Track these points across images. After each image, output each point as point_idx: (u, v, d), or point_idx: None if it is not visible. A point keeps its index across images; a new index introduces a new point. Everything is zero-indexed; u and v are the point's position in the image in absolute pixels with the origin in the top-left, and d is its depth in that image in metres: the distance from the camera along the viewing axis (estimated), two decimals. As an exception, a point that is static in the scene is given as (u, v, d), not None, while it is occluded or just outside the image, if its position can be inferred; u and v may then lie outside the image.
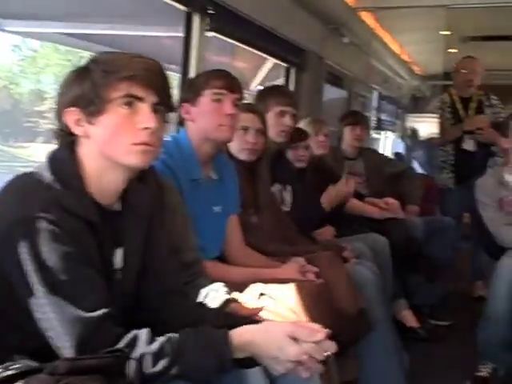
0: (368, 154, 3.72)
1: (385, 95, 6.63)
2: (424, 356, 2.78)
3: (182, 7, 2.71)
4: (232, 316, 1.42)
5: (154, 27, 3.35)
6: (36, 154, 5.38)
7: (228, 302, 1.57)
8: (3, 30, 3.14)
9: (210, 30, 2.80)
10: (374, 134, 6.50)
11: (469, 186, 3.56)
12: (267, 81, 4.24)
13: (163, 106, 1.23)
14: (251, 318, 1.42)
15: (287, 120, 2.53)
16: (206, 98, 1.88)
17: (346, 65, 4.89)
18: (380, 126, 6.71)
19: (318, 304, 1.72)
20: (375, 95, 6.41)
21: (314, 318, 1.63)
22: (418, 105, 7.22)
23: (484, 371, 2.61)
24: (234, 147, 2.21)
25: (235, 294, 1.67)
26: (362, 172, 3.60)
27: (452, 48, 5.38)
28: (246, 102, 2.63)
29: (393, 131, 7.40)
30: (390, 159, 4.23)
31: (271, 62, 4.15)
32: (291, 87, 4.04)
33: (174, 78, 2.84)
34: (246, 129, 2.19)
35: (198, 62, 2.75)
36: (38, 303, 1.11)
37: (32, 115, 5.78)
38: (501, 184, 2.86)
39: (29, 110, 5.77)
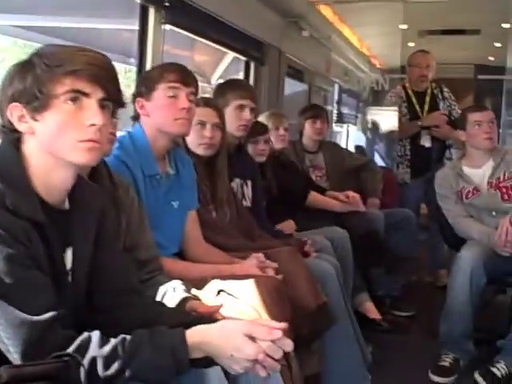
0: (328, 147, 3.73)
1: (345, 89, 6.66)
2: (387, 347, 2.80)
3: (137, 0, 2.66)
4: (189, 315, 1.40)
5: (114, 20, 3.28)
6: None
7: (186, 300, 1.54)
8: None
9: (166, 23, 2.76)
10: (335, 128, 6.53)
11: (425, 179, 3.63)
12: (228, 75, 4.20)
13: (111, 101, 1.19)
14: (209, 316, 1.40)
15: (247, 114, 2.50)
16: (161, 92, 1.85)
17: (306, 58, 4.90)
18: (341, 120, 6.73)
19: (277, 300, 1.70)
20: (336, 89, 6.45)
21: (273, 314, 1.62)
22: (377, 98, 7.27)
23: (446, 361, 2.64)
24: (192, 142, 2.18)
25: (194, 291, 1.64)
26: (322, 165, 3.62)
27: (410, 42, 5.44)
28: (205, 96, 2.60)
29: (354, 124, 7.45)
30: (351, 152, 4.26)
31: (231, 55, 4.12)
32: (251, 81, 4.02)
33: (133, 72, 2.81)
34: (202, 123, 2.16)
35: (154, 56, 2.71)
36: None
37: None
38: (459, 176, 2.89)
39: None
